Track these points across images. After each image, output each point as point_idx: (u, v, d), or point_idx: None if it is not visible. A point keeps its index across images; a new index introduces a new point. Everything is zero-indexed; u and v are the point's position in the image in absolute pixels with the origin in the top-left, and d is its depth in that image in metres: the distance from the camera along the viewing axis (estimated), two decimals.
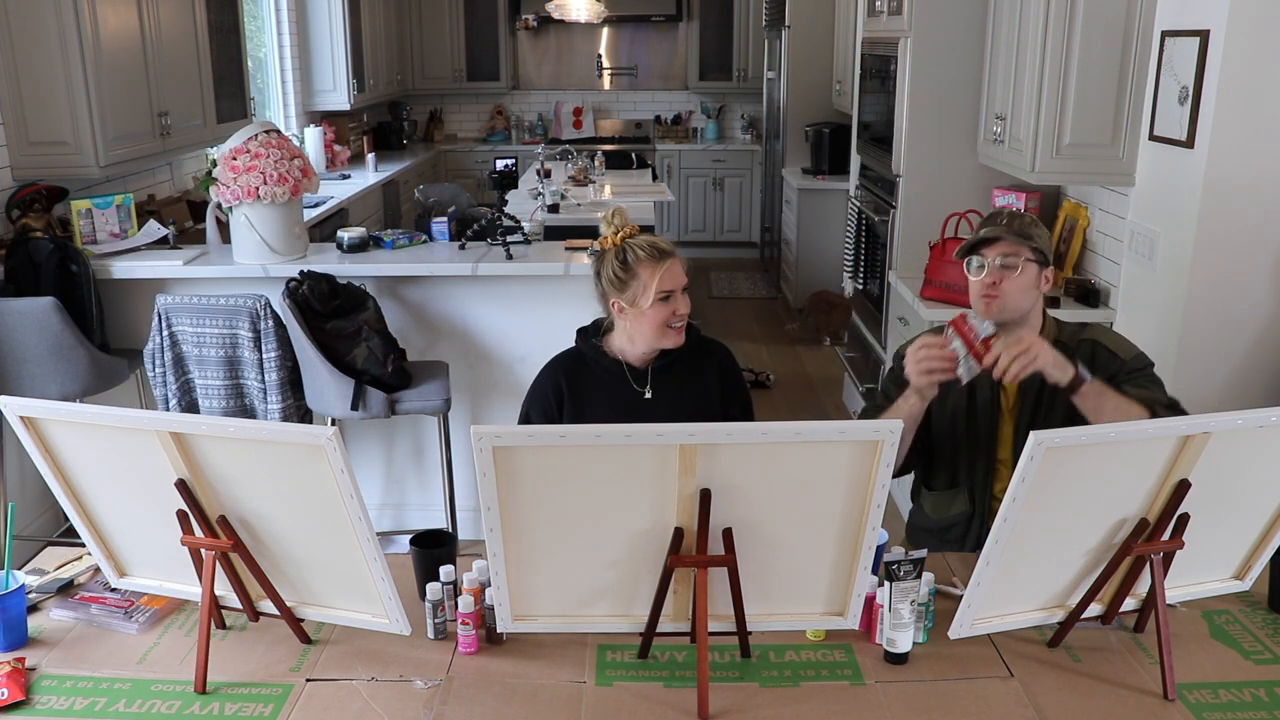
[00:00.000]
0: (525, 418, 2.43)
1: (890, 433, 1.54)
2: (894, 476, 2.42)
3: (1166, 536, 1.69)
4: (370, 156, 7.11)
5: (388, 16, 7.80)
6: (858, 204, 5.00)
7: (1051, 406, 2.19)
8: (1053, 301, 3.53)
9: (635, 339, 2.34)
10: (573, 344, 2.46)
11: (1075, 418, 2.08)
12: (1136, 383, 2.15)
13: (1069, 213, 3.81)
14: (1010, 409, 2.27)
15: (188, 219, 4.48)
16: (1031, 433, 1.52)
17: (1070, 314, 3.49)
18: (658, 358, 2.37)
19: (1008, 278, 2.15)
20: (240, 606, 1.82)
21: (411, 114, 8.53)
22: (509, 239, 3.63)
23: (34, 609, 1.90)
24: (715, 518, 1.61)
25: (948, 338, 2.07)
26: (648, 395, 2.37)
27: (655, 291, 2.25)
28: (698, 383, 2.40)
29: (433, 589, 1.82)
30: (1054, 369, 2.03)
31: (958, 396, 2.28)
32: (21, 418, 1.68)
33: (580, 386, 2.39)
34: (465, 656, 1.78)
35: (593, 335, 2.42)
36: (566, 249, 3.69)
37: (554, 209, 5.08)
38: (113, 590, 1.92)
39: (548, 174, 5.56)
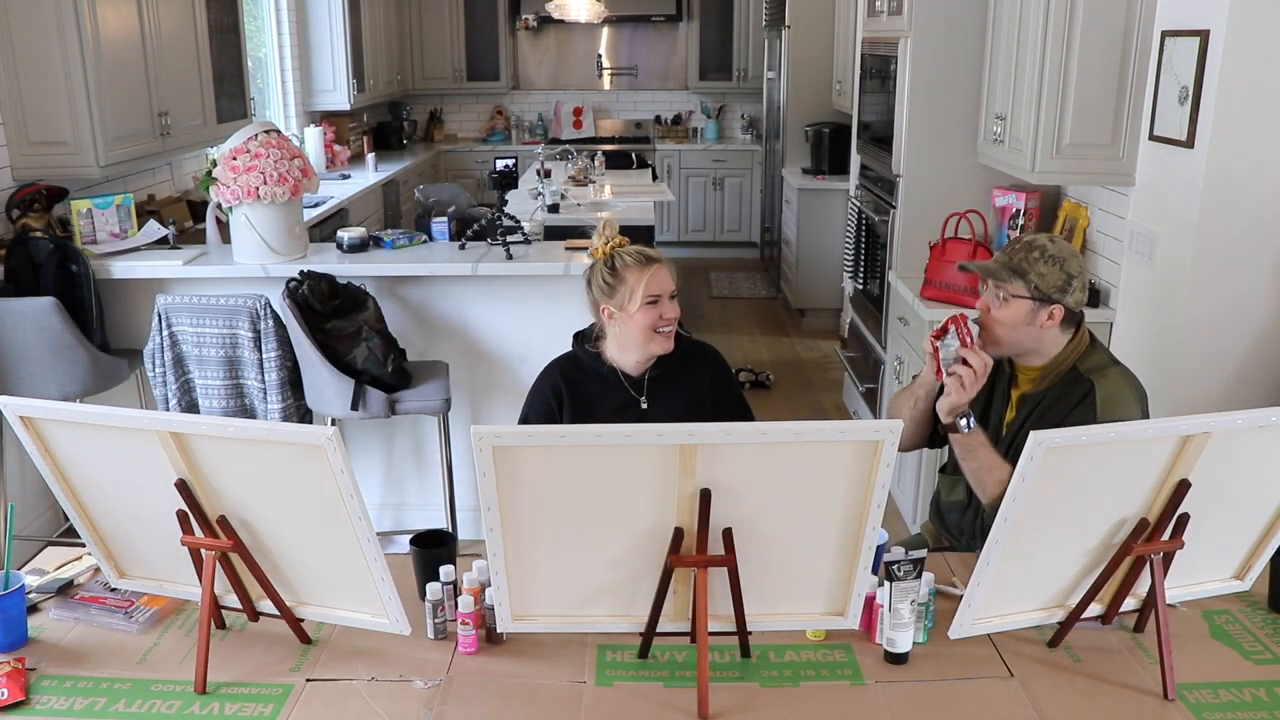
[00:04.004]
0: (524, 421, 2.45)
1: (890, 433, 1.54)
2: (903, 450, 2.46)
3: (1166, 536, 1.69)
4: (370, 156, 7.10)
5: (388, 16, 7.80)
6: (858, 204, 5.00)
7: (1058, 423, 2.21)
8: None
9: (626, 345, 2.38)
10: (569, 348, 2.48)
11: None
12: None
13: (1069, 213, 3.80)
14: (1011, 414, 2.27)
15: (188, 219, 4.48)
16: (1031, 433, 1.52)
17: None
18: (653, 366, 2.40)
19: (995, 307, 2.18)
20: (240, 606, 1.82)
21: (411, 114, 8.53)
22: (509, 239, 3.63)
23: (34, 609, 1.90)
24: (715, 518, 1.61)
25: (944, 331, 2.12)
26: (644, 405, 2.40)
27: (642, 296, 2.30)
28: (691, 388, 2.43)
29: (433, 589, 1.82)
30: (950, 407, 2.12)
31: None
32: (21, 418, 1.68)
33: (578, 390, 2.41)
34: (465, 656, 1.78)
35: (588, 341, 2.45)
36: (566, 249, 3.69)
37: (554, 209, 5.07)
38: (113, 590, 1.92)
39: (548, 174, 5.56)
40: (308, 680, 1.72)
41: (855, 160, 5.28)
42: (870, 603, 1.79)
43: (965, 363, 2.09)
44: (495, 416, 3.79)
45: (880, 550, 1.80)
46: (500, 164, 4.16)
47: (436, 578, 1.84)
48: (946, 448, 2.36)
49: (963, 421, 2.12)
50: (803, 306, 6.80)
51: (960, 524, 2.36)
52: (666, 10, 8.49)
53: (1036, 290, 2.13)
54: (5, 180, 3.61)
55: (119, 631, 1.85)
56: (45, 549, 2.17)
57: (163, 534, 1.75)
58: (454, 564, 1.89)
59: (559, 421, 2.40)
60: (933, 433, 2.34)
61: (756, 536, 1.64)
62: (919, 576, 1.75)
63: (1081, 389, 2.16)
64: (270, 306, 3.23)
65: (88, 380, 3.29)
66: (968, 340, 2.09)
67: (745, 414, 2.50)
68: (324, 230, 5.13)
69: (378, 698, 1.67)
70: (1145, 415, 2.16)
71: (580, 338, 2.48)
